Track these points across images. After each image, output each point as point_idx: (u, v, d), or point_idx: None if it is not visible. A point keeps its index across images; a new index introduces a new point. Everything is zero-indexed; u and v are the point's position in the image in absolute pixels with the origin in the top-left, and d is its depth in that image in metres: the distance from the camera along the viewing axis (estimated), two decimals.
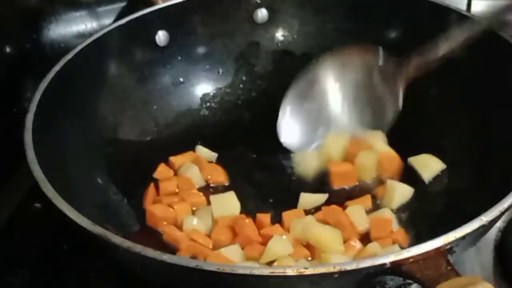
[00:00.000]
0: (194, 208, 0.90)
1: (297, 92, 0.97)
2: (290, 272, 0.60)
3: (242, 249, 0.82)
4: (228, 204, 0.89)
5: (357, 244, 0.82)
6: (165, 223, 0.87)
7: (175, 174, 0.96)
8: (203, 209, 0.90)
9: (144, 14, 1.00)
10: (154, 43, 1.02)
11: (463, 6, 1.25)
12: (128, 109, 0.99)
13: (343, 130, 0.96)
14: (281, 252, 0.80)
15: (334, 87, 0.97)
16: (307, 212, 0.88)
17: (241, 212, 0.88)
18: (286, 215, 0.87)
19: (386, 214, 0.86)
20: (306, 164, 0.95)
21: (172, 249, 0.84)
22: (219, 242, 0.84)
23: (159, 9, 1.01)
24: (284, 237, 0.82)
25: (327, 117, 0.97)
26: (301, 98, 0.97)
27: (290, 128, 0.98)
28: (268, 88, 1.08)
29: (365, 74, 0.96)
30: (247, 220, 0.85)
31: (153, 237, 0.87)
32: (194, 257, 0.81)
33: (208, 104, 1.06)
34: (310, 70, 0.97)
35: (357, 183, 0.92)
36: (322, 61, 0.97)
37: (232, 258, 0.80)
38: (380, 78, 0.94)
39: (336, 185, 0.92)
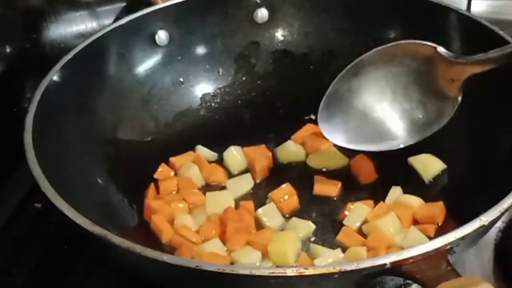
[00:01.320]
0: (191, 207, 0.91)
1: (342, 83, 0.92)
2: (290, 272, 0.60)
3: (225, 243, 0.84)
4: (223, 201, 0.90)
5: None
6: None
7: (176, 174, 0.96)
8: (200, 207, 0.90)
9: (144, 14, 1.00)
10: (154, 43, 1.02)
11: (463, 6, 1.25)
12: (128, 109, 0.99)
13: (390, 134, 0.92)
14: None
15: (382, 82, 0.92)
16: None
17: None
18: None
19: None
20: None
21: (171, 249, 0.85)
22: (208, 237, 0.85)
23: (159, 9, 1.01)
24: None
25: (373, 116, 0.93)
26: (345, 91, 0.92)
27: (331, 120, 0.92)
28: (268, 88, 1.08)
29: (418, 69, 0.89)
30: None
31: (153, 237, 0.87)
32: (175, 250, 0.83)
33: (208, 104, 1.06)
34: (358, 62, 0.92)
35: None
36: (371, 53, 0.91)
37: (216, 251, 0.82)
38: (435, 75, 0.88)
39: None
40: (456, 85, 0.85)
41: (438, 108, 0.89)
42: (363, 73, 0.92)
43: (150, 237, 0.87)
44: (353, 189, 0.93)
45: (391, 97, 0.92)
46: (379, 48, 0.90)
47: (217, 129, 1.05)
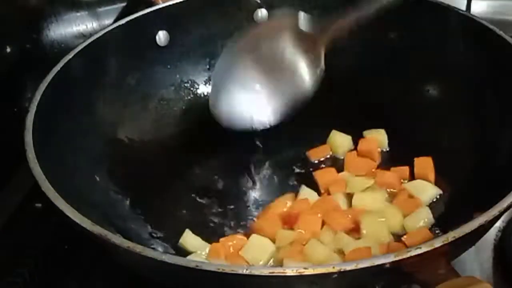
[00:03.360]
0: None
1: (220, 73, 0.98)
2: (289, 272, 0.60)
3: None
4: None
5: None
6: None
7: None
8: None
9: (144, 14, 1.00)
10: (154, 43, 1.02)
11: (463, 6, 1.26)
12: (128, 109, 0.99)
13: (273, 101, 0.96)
14: None
15: (253, 63, 0.96)
16: None
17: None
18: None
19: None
20: None
21: (172, 249, 0.85)
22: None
23: (159, 9, 1.01)
24: None
25: (254, 92, 0.96)
26: (227, 80, 0.96)
27: (226, 109, 0.96)
28: None
29: (282, 43, 0.96)
30: None
31: (153, 234, 0.87)
32: None
33: (208, 104, 1.06)
34: (226, 53, 0.98)
35: None
36: (236, 42, 0.97)
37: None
38: (300, 43, 0.95)
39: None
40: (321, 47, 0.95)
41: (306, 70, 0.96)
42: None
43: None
44: None
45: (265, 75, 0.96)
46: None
47: (217, 128, 1.04)
